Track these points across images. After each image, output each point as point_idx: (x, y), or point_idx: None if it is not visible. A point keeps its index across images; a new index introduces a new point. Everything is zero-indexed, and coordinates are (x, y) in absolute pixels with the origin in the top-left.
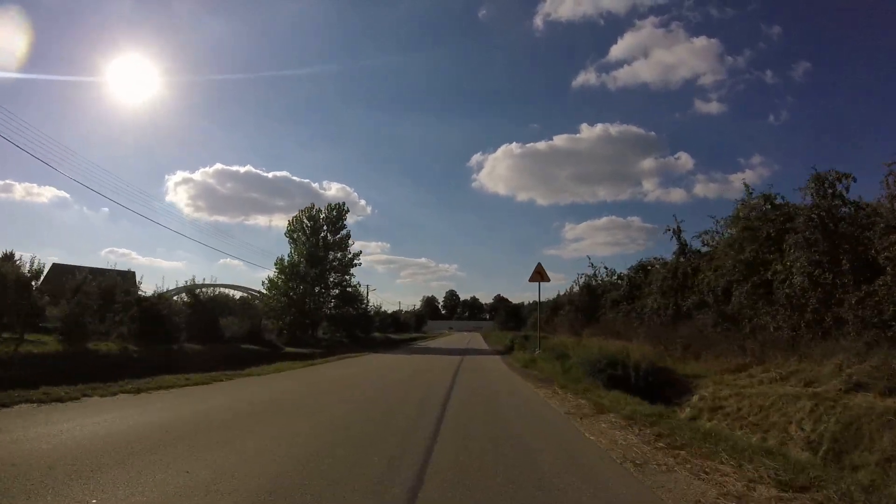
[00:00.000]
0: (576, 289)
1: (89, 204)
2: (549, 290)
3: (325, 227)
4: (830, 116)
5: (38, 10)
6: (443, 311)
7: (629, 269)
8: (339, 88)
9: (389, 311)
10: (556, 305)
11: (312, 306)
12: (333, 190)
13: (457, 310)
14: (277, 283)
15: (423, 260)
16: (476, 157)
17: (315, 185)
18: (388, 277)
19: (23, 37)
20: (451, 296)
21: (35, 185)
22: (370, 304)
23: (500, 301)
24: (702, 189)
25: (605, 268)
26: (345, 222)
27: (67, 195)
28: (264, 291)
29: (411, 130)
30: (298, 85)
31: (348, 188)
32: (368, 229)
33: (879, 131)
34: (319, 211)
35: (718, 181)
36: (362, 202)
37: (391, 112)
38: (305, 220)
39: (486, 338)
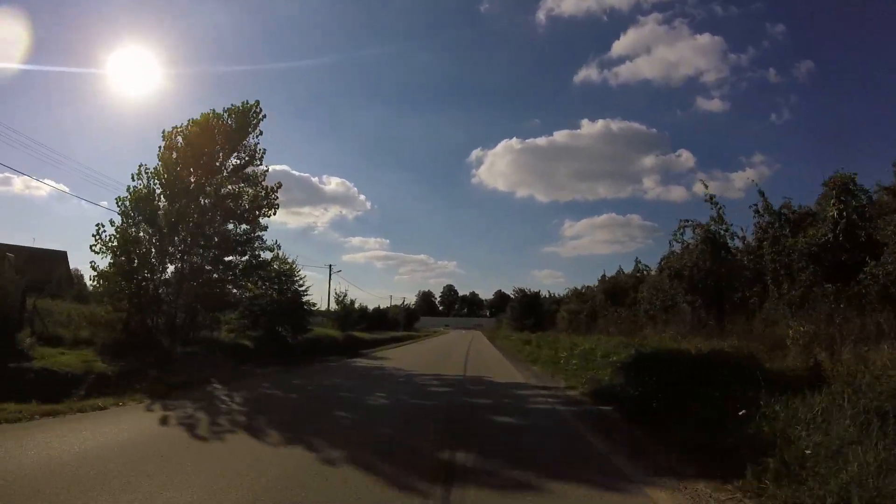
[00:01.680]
0: (674, 249)
1: (89, 196)
2: (545, 287)
3: (219, 143)
4: (833, 116)
5: (38, 2)
6: (440, 308)
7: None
8: (340, 82)
9: (382, 307)
10: (615, 287)
11: (176, 281)
12: (333, 184)
13: (455, 305)
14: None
15: (422, 256)
16: (476, 153)
17: (315, 179)
18: (386, 273)
19: (22, 28)
20: (449, 291)
21: (34, 178)
22: (324, 291)
23: (502, 297)
24: (702, 187)
25: (763, 195)
26: (257, 135)
27: (66, 188)
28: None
29: (411, 125)
30: (298, 78)
31: (348, 182)
32: (368, 225)
33: (883, 131)
34: (217, 117)
35: (719, 180)
36: (362, 197)
37: (391, 106)
38: (192, 128)
39: (494, 340)
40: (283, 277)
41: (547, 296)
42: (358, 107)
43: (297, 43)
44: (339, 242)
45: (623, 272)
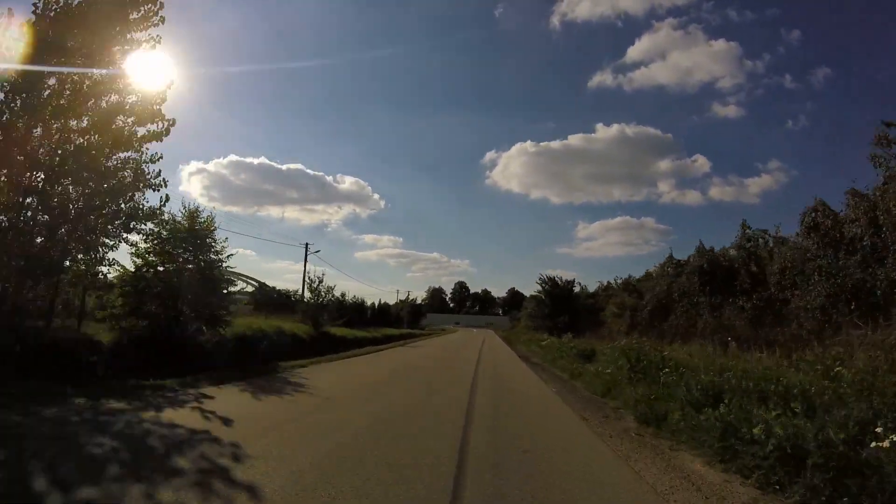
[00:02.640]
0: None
1: None
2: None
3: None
4: (849, 123)
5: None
6: (451, 305)
7: None
8: (355, 83)
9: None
10: (714, 267)
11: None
12: (347, 183)
13: (466, 303)
14: None
15: (435, 255)
16: (490, 155)
17: (329, 178)
18: (399, 271)
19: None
20: (461, 288)
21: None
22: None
23: (515, 295)
24: (717, 192)
25: None
26: (155, 21)
27: None
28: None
29: (425, 126)
30: (314, 78)
31: (362, 182)
32: (381, 223)
33: None
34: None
35: (735, 185)
36: (376, 196)
37: (405, 107)
38: None
39: (513, 344)
40: (198, 241)
41: (578, 288)
42: (373, 107)
43: (313, 44)
44: (353, 240)
45: (702, 247)
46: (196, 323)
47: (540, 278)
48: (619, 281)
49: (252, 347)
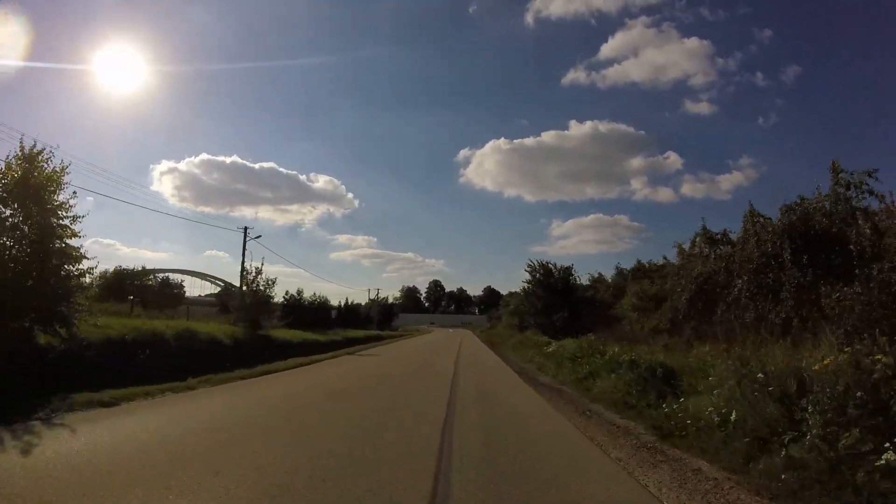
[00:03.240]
0: None
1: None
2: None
3: None
4: (819, 120)
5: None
6: (426, 304)
7: None
8: (329, 81)
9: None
10: (808, 226)
11: None
12: (321, 182)
13: (441, 302)
14: None
15: (409, 255)
16: (463, 153)
17: (302, 176)
18: (374, 272)
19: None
20: (435, 287)
21: None
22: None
23: (492, 293)
24: (689, 189)
25: None
26: None
27: None
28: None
29: (399, 124)
30: (287, 77)
31: (336, 181)
32: (355, 223)
33: (868, 135)
34: None
35: (706, 182)
36: (350, 195)
37: (380, 105)
38: None
39: (498, 348)
40: (38, 198)
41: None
42: (346, 106)
43: (287, 43)
44: (327, 240)
45: (751, 212)
46: (20, 321)
47: (529, 265)
48: (623, 270)
49: (131, 358)
